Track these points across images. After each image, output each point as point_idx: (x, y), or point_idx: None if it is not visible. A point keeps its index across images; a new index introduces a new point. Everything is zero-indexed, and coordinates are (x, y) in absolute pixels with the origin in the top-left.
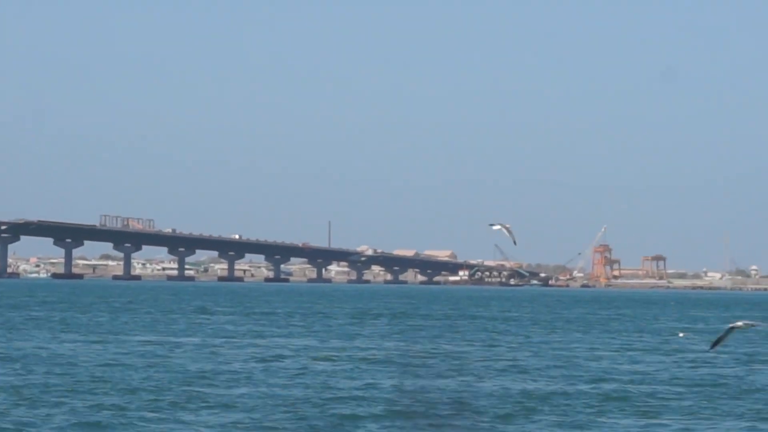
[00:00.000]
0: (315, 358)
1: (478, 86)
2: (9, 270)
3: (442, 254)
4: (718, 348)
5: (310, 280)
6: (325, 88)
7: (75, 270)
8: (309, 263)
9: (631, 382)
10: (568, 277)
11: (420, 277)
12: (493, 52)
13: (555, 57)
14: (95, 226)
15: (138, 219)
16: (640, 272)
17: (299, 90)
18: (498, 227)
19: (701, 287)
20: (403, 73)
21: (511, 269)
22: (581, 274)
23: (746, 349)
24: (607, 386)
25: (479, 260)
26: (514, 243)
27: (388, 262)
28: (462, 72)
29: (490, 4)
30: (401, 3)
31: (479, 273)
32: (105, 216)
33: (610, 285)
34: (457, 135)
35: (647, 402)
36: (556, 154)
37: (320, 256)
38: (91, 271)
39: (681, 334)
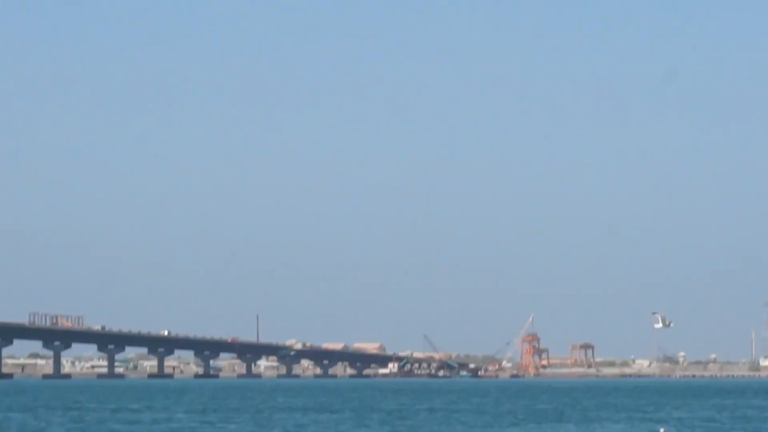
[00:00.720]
0: None
1: (397, 178)
2: None
3: (371, 347)
4: None
5: (240, 376)
6: (246, 179)
7: (4, 369)
8: (238, 358)
9: None
10: (497, 367)
11: (349, 371)
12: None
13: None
14: (24, 324)
15: (67, 316)
16: (569, 361)
17: (220, 181)
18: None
19: (630, 375)
20: (321, 166)
21: (440, 361)
22: (510, 364)
23: None
24: None
25: (408, 352)
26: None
27: (317, 355)
28: (384, 157)
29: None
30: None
31: (409, 365)
32: (34, 314)
33: (539, 374)
34: (381, 226)
35: None
36: (480, 244)
37: (249, 351)
38: (20, 370)
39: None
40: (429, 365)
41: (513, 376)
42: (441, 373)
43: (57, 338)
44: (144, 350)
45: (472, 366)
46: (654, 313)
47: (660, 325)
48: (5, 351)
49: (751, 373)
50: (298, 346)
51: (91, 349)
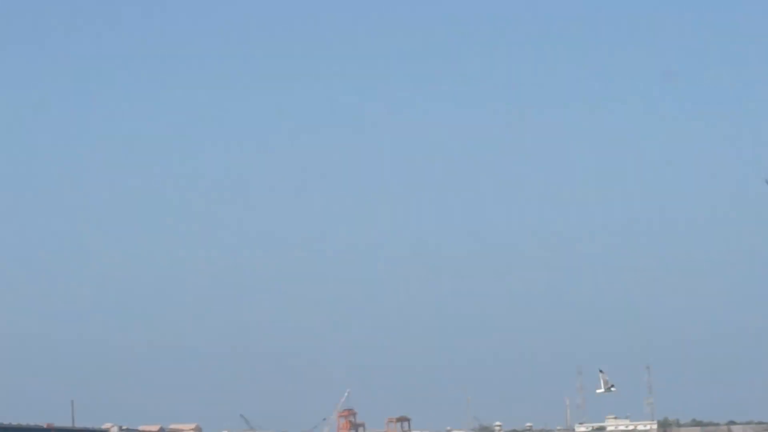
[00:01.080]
0: None
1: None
2: None
3: (188, 427)
4: None
5: None
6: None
7: None
8: None
9: None
10: None
11: None
12: None
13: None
14: None
15: None
16: None
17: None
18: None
19: None
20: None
21: None
22: None
23: None
24: None
25: (225, 431)
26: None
27: None
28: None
29: None
30: None
31: None
32: None
33: None
34: (196, 306)
35: None
36: (293, 319)
37: None
38: None
39: None
40: None
41: None
42: None
43: None
44: None
45: None
46: (601, 372)
47: (602, 389)
48: None
49: None
50: (115, 429)
51: None
